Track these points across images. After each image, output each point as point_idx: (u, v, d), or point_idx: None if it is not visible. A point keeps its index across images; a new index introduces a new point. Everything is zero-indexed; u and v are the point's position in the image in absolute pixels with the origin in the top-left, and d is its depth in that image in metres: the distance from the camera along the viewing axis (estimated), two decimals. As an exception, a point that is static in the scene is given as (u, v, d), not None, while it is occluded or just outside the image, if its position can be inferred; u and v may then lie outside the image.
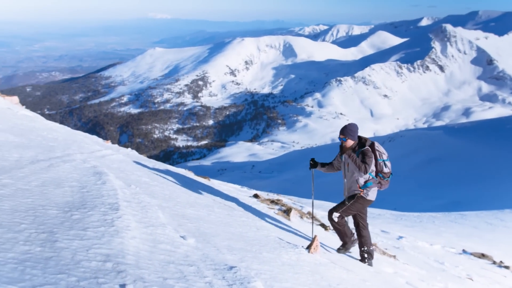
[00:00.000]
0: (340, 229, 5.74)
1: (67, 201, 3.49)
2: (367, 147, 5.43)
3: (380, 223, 14.16)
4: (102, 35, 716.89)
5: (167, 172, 8.30)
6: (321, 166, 5.99)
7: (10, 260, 2.23)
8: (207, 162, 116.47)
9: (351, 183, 5.58)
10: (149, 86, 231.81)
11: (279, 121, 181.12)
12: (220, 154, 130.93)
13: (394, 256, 7.27)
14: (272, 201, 8.87)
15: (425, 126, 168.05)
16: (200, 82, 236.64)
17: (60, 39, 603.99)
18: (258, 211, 7.12)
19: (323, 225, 8.26)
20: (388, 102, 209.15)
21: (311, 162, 5.95)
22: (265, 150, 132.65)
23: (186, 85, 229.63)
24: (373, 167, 5.49)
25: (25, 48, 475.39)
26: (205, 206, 5.67)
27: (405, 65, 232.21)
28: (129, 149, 10.96)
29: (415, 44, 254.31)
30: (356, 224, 5.82)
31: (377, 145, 5.55)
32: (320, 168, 6.00)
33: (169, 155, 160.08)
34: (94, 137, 11.30)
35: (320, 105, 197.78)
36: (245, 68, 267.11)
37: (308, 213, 8.74)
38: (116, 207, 3.56)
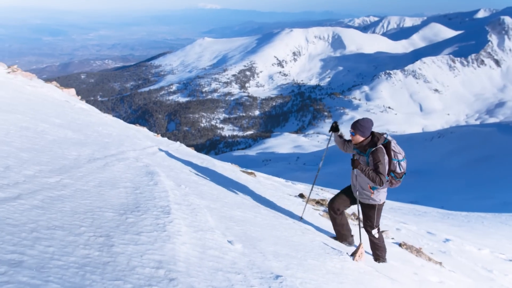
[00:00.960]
0: (381, 245, 5.49)
1: (122, 203, 3.63)
2: (379, 146, 5.02)
3: (426, 221, 13.88)
4: (153, 24, 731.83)
5: (214, 169, 8.49)
6: (339, 136, 5.69)
7: (72, 264, 2.33)
8: (252, 152, 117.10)
9: (363, 184, 5.27)
10: (197, 75, 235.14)
11: (325, 113, 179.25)
12: (265, 144, 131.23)
13: (440, 263, 7.12)
14: (317, 202, 8.88)
15: (477, 122, 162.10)
16: (248, 73, 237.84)
17: (113, 28, 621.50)
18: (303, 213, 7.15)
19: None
20: (438, 96, 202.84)
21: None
22: (310, 142, 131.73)
23: (233, 75, 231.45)
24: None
25: (81, 37, 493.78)
26: (251, 208, 5.75)
27: (459, 58, 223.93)
28: (178, 143, 11.25)
29: (470, 37, 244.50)
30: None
31: (393, 145, 5.14)
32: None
33: (215, 144, 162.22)
34: (145, 130, 11.64)
35: (367, 98, 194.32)
36: (293, 59, 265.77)
37: (353, 214, 8.68)
38: (168, 210, 3.68)
